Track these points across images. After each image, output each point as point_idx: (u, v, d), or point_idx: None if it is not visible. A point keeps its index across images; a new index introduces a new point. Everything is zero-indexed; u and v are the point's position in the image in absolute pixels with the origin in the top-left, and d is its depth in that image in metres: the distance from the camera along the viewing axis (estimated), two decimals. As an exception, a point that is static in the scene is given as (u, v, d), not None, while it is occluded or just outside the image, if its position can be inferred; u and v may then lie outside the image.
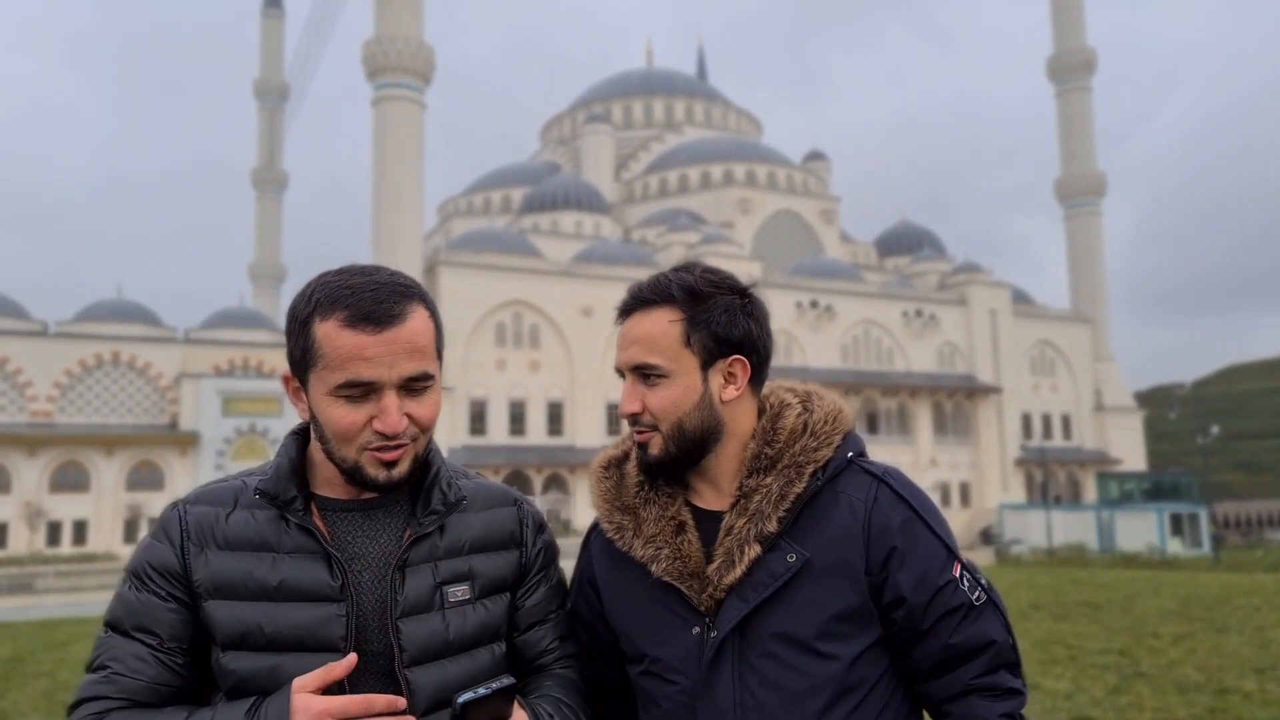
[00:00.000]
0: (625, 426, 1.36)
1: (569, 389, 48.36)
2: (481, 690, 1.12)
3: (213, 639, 1.18)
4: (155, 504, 42.08)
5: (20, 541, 39.83)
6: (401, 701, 1.13)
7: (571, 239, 56.61)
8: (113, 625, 1.19)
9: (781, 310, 52.96)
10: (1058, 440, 61.61)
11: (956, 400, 58.14)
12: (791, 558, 1.23)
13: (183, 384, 42.93)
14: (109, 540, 41.17)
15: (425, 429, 1.22)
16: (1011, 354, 60.19)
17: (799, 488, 1.26)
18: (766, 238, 61.33)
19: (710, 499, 1.33)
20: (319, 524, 1.21)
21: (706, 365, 1.28)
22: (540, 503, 43.44)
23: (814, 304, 53.76)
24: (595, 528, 1.41)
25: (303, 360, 1.20)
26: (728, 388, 1.30)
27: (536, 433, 47.16)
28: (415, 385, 1.19)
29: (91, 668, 1.17)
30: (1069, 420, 63.56)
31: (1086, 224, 68.74)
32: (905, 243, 67.75)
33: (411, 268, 46.70)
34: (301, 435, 1.29)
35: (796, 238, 62.74)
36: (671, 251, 54.98)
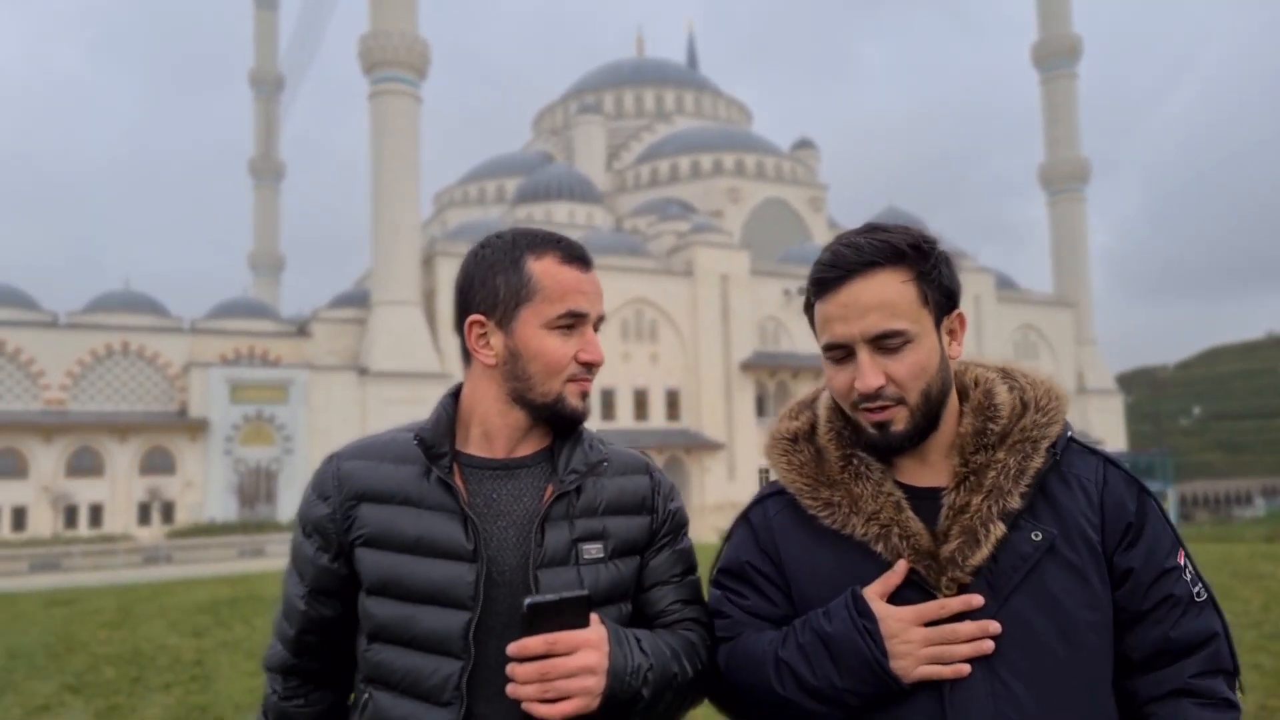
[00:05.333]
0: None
1: (565, 375, 49.95)
2: (551, 596, 1.14)
3: (360, 583, 1.27)
4: (169, 488, 43.76)
5: (42, 524, 41.49)
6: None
7: (565, 228, 57.79)
8: (292, 558, 1.35)
9: (769, 297, 54.63)
10: (1038, 421, 63.41)
11: (940, 383, 59.83)
12: (1037, 536, 1.17)
13: (191, 373, 44.44)
14: (125, 522, 42.85)
15: (597, 370, 1.34)
16: (995, 338, 61.97)
17: (1037, 463, 1.21)
18: (755, 226, 62.79)
19: (918, 475, 1.26)
20: (459, 483, 1.26)
21: (939, 324, 1.22)
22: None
23: (801, 291, 55.04)
24: (764, 501, 1.35)
25: (514, 297, 1.26)
26: (953, 345, 1.25)
27: (533, 417, 48.67)
28: (596, 326, 1.31)
29: (283, 600, 1.37)
30: (1049, 401, 65.40)
31: (1070, 209, 70.32)
32: (891, 229, 68.89)
33: (410, 258, 48.22)
34: (455, 394, 1.35)
35: (785, 225, 64.18)
36: (663, 241, 56.44)
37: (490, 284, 1.29)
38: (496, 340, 1.29)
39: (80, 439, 43.16)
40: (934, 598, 1.17)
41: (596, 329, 1.33)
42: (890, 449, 1.23)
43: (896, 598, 1.19)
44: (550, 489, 1.29)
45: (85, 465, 43.26)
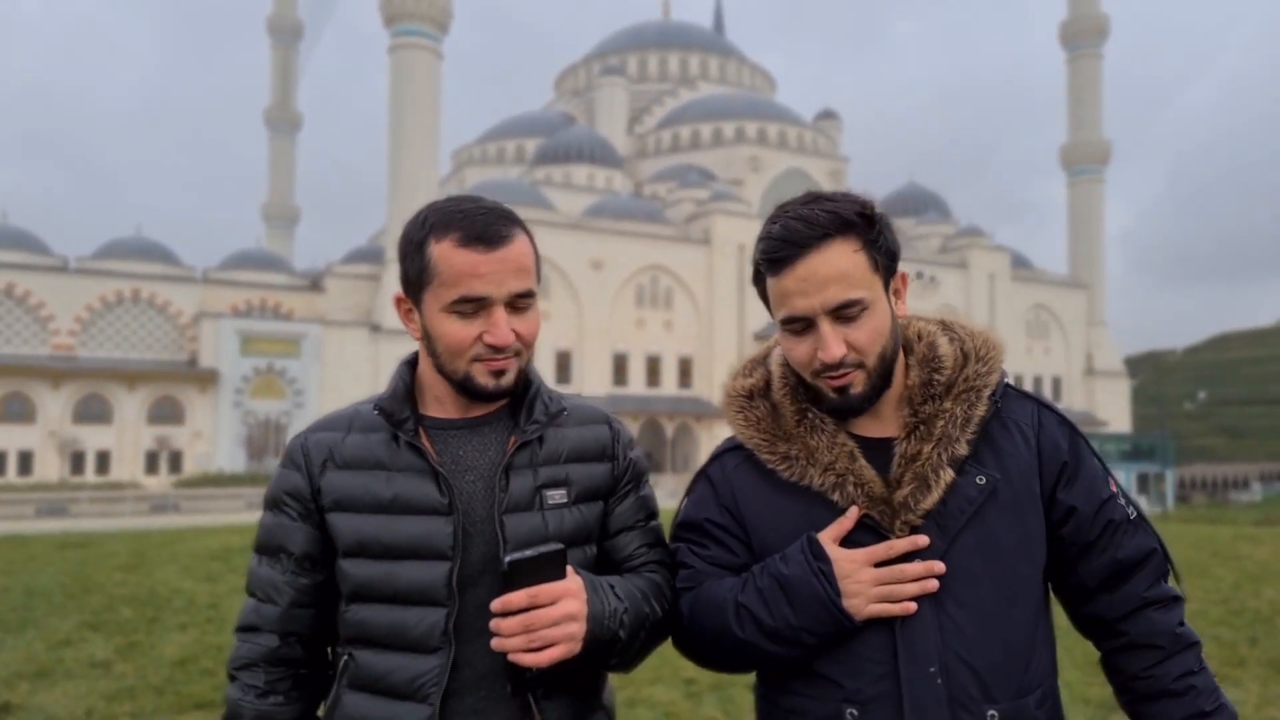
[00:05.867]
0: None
1: (577, 340, 49.73)
2: (529, 552, 1.18)
3: (336, 549, 1.31)
4: (178, 438, 43.81)
5: (49, 469, 41.63)
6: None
7: (583, 192, 57.41)
8: (258, 549, 1.37)
9: (785, 268, 54.13)
10: (1049, 403, 63.24)
11: (953, 361, 59.57)
12: (982, 480, 1.25)
13: (202, 323, 44.28)
14: (131, 470, 42.96)
15: (528, 344, 1.31)
16: (1008, 317, 61.46)
17: (981, 411, 1.28)
18: (775, 196, 62.09)
19: (869, 427, 1.32)
20: (427, 444, 1.31)
21: (886, 286, 1.28)
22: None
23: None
24: (721, 457, 1.41)
25: (418, 280, 1.29)
26: (899, 304, 1.31)
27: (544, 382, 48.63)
28: (520, 302, 1.28)
29: (249, 592, 1.36)
30: (1060, 383, 65.10)
31: (1088, 191, 69.43)
32: (911, 205, 68.37)
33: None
34: (411, 363, 1.39)
35: (803, 197, 63.54)
36: (681, 208, 55.84)
37: (404, 265, 1.31)
38: (416, 318, 1.32)
39: (89, 385, 43.14)
40: (889, 540, 1.23)
41: (517, 307, 1.29)
42: (851, 411, 1.29)
43: (853, 542, 1.25)
44: (513, 440, 1.33)
45: (93, 412, 43.28)
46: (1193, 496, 52.61)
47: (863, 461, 1.27)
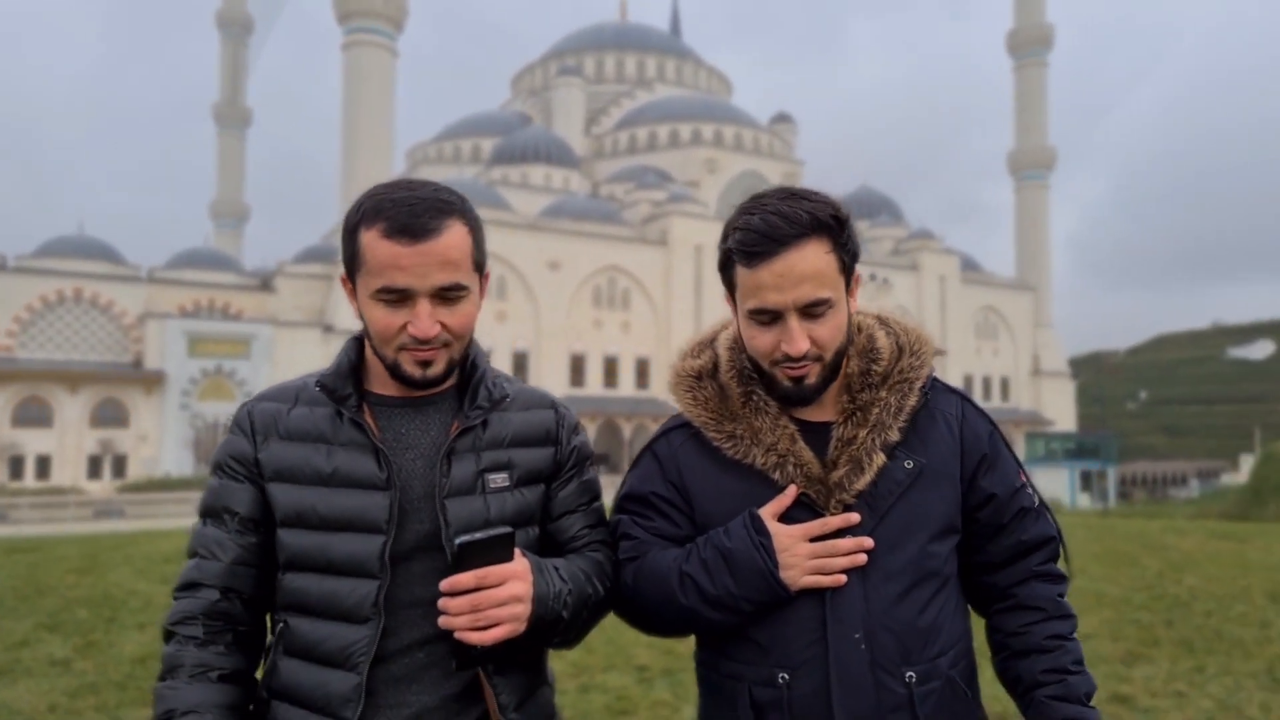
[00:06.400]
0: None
1: (534, 340, 49.61)
2: (479, 535, 1.21)
3: (274, 518, 1.33)
4: (122, 441, 42.69)
5: (-14, 474, 40.30)
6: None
7: (540, 192, 57.30)
8: (203, 513, 1.37)
9: (741, 270, 54.67)
10: (996, 401, 64.78)
11: (904, 362, 60.72)
12: (909, 464, 1.34)
13: (148, 324, 43.22)
14: (74, 475, 41.74)
15: (458, 335, 1.31)
16: (958, 318, 62.82)
17: (913, 401, 1.37)
18: (731, 198, 62.54)
19: (809, 411, 1.39)
20: (369, 420, 1.33)
21: (848, 287, 1.34)
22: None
23: (773, 265, 55.48)
24: (668, 434, 1.47)
25: (351, 265, 1.31)
26: (853, 301, 1.38)
27: (500, 381, 48.42)
28: (448, 295, 1.28)
29: (190, 554, 1.36)
30: (1008, 382, 66.72)
31: (1034, 196, 71.36)
32: (864, 208, 69.50)
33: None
34: (360, 339, 1.40)
35: (759, 199, 64.21)
36: (638, 209, 56.07)
37: (343, 248, 1.33)
38: (355, 300, 1.34)
39: (28, 388, 41.83)
40: (821, 518, 1.33)
41: (446, 299, 1.29)
42: (802, 400, 1.36)
43: (788, 518, 1.34)
44: (456, 424, 1.35)
45: (33, 415, 41.98)
46: (1134, 493, 54.39)
47: (802, 444, 1.36)
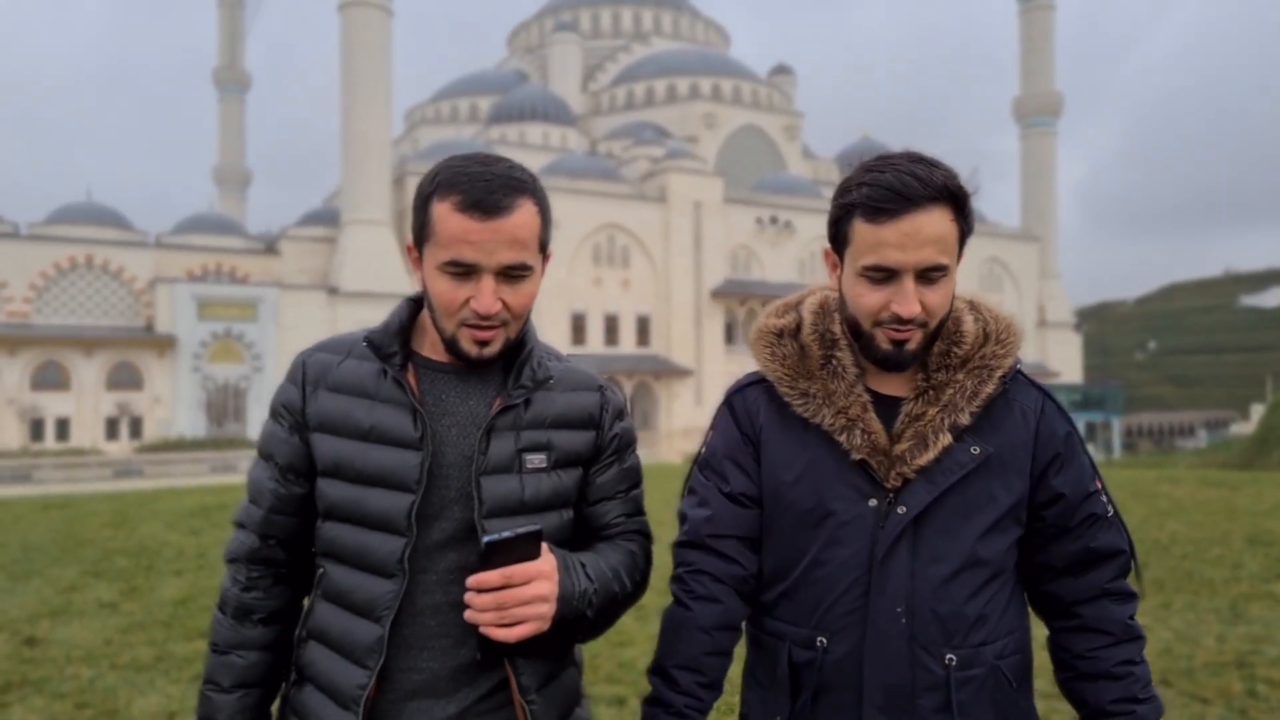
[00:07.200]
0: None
1: (535, 299, 50.09)
2: (506, 534, 1.22)
3: (315, 467, 1.37)
4: (137, 404, 43.67)
5: (8, 436, 41.36)
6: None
7: (538, 150, 57.26)
8: (259, 452, 1.43)
9: (742, 225, 54.83)
10: (999, 353, 64.95)
11: (906, 314, 60.86)
12: (976, 450, 1.33)
13: (157, 288, 43.88)
14: (92, 436, 42.82)
15: (517, 315, 1.32)
16: (962, 269, 59.39)
17: (990, 388, 1.36)
18: (730, 152, 62.45)
19: (884, 384, 1.39)
20: (411, 380, 1.34)
21: (957, 261, 1.33)
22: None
23: (774, 220, 55.55)
24: (744, 389, 1.49)
25: (420, 234, 1.31)
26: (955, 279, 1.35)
27: (505, 340, 48.95)
28: (513, 273, 1.29)
29: (246, 489, 1.44)
30: (1010, 335, 66.90)
31: (1041, 144, 70.69)
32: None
33: (380, 176, 47.54)
34: (416, 301, 1.41)
35: (759, 153, 63.91)
36: (637, 165, 56.06)
37: (414, 216, 1.34)
38: (421, 268, 1.36)
39: (45, 352, 42.72)
40: (882, 488, 1.35)
41: (510, 277, 1.30)
42: (901, 365, 1.35)
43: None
44: (499, 401, 1.36)
45: (51, 379, 42.92)
46: (1140, 444, 54.70)
47: (872, 413, 1.36)
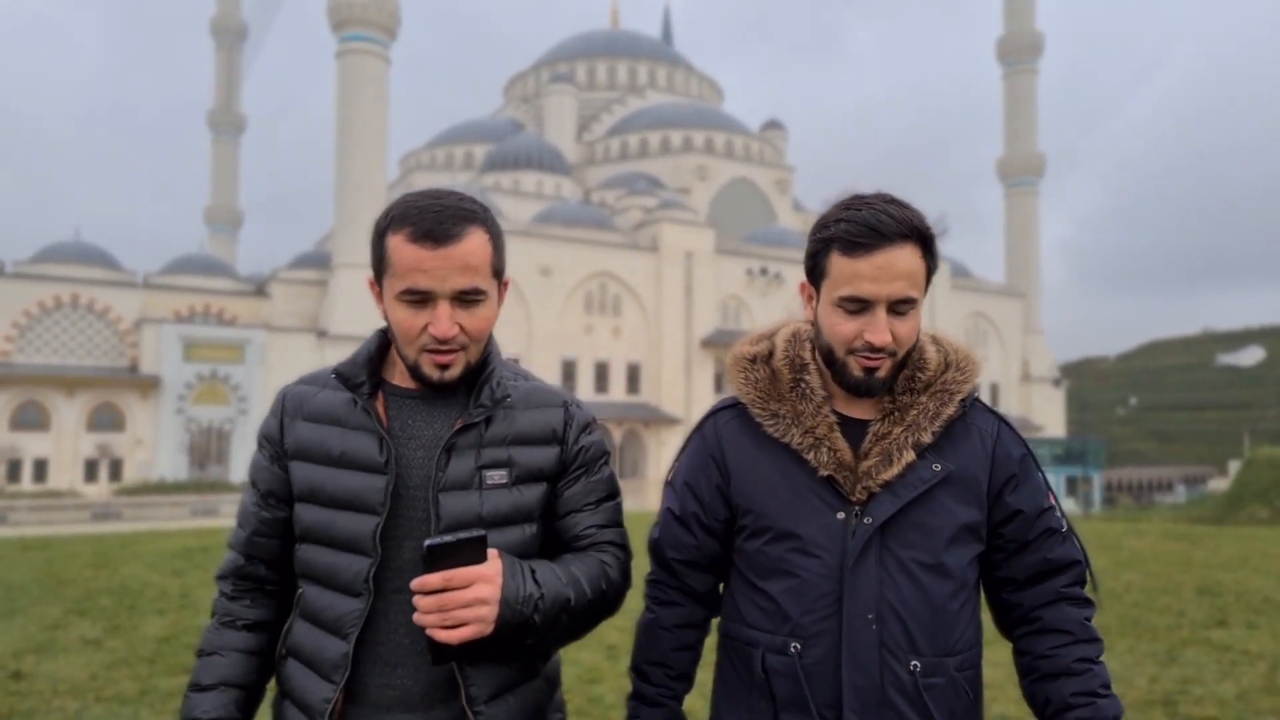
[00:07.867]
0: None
1: (525, 346, 50.10)
2: (447, 538, 1.24)
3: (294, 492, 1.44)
4: (118, 445, 43.02)
5: (-16, 477, 40.60)
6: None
7: (532, 198, 57.83)
8: (248, 478, 1.51)
9: (732, 276, 55.29)
10: (985, 407, 65.33)
11: (893, 367, 61.28)
12: (937, 467, 1.42)
13: (143, 329, 43.56)
14: (71, 478, 42.04)
15: (475, 338, 1.38)
16: (948, 324, 63.44)
17: (950, 410, 1.45)
18: (722, 204, 63.26)
19: (850, 407, 1.48)
20: (379, 408, 1.41)
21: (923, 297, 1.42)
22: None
23: (764, 271, 56.07)
24: (716, 414, 1.58)
25: (379, 268, 1.38)
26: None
27: (493, 386, 48.83)
28: (467, 298, 1.34)
29: (237, 518, 1.51)
30: (997, 389, 67.41)
31: (1024, 203, 72.10)
32: (853, 214, 69.88)
33: (373, 221, 47.70)
34: (384, 333, 1.48)
35: (751, 205, 64.78)
36: (630, 215, 56.65)
37: (373, 250, 1.41)
38: (382, 301, 1.42)
39: (26, 392, 42.16)
40: (849, 502, 1.42)
41: (465, 302, 1.36)
42: (871, 391, 1.45)
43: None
44: (459, 421, 1.41)
45: (30, 419, 42.27)
46: (1120, 499, 54.98)
47: (839, 433, 1.45)
